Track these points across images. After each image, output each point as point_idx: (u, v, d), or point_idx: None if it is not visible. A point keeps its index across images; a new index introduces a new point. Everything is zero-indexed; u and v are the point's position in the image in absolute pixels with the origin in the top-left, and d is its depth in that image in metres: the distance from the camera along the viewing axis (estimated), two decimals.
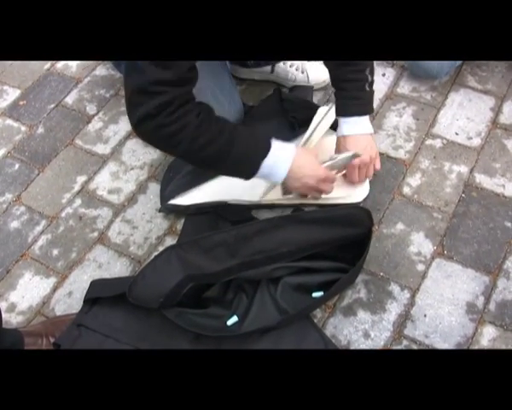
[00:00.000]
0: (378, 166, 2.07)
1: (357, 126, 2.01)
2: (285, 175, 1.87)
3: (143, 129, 1.72)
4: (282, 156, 1.85)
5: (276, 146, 1.83)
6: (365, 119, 2.02)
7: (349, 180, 2.08)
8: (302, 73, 2.44)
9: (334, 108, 2.06)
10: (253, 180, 1.99)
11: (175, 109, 1.66)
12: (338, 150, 2.05)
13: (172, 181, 2.21)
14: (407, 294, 1.90)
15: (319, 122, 2.09)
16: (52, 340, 1.84)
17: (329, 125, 2.10)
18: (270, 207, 2.12)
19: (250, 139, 1.82)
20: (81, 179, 2.34)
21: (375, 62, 2.02)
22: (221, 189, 2.14)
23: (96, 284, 1.96)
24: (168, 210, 2.17)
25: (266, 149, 1.81)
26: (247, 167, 1.84)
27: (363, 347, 1.81)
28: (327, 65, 2.10)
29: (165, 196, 2.19)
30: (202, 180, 2.17)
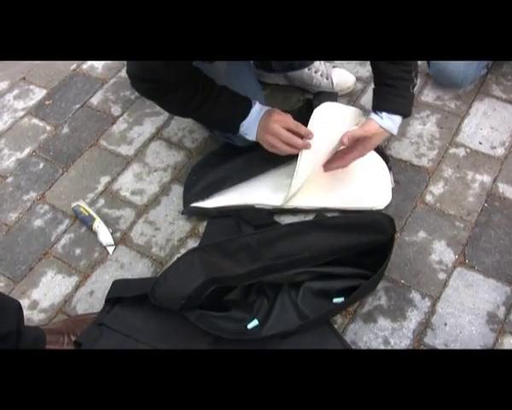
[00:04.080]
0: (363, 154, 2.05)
1: (393, 124, 1.97)
2: (255, 134, 2.06)
3: (140, 93, 2.13)
4: (253, 118, 2.05)
5: (255, 108, 2.05)
6: (400, 120, 1.99)
7: (344, 162, 2.06)
8: (327, 79, 2.44)
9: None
10: (276, 185, 2.01)
11: (163, 94, 1.98)
12: (364, 134, 1.99)
13: (196, 184, 2.22)
14: (428, 302, 1.90)
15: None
16: (73, 338, 1.85)
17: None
18: (293, 211, 2.12)
19: (230, 105, 2.04)
20: (105, 180, 2.36)
21: None
22: (244, 193, 2.15)
23: (117, 284, 1.97)
24: (191, 213, 2.18)
25: (244, 115, 2.04)
26: (229, 127, 2.12)
27: None
28: (372, 62, 2.04)
29: (188, 198, 2.20)
30: (226, 185, 2.19)
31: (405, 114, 1.99)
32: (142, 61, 1.81)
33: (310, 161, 2.01)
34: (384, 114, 1.96)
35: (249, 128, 2.06)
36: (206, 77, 2.01)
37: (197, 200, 2.18)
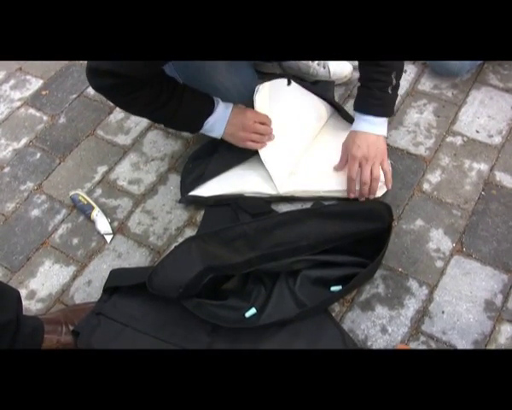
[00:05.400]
0: (385, 166, 2.05)
1: (370, 125, 2.02)
2: (222, 131, 2.10)
3: (100, 92, 1.99)
4: (220, 115, 2.08)
5: (221, 106, 2.08)
6: (382, 120, 2.03)
7: (348, 175, 2.06)
8: (324, 68, 2.44)
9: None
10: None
11: (126, 92, 1.91)
12: (346, 143, 2.07)
13: (192, 172, 2.23)
14: (425, 290, 1.90)
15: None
16: (71, 328, 1.85)
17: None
18: (290, 200, 2.12)
19: (194, 103, 2.05)
20: (102, 169, 2.36)
21: None
22: (241, 181, 2.15)
23: (115, 274, 1.98)
24: (188, 202, 2.18)
25: (209, 112, 2.06)
26: (192, 125, 2.12)
27: (380, 342, 1.81)
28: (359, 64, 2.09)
29: (185, 187, 2.21)
30: (222, 170, 2.19)
31: (381, 114, 2.02)
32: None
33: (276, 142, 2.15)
34: (359, 117, 2.04)
35: (215, 125, 2.09)
36: (168, 75, 2.01)
37: (194, 188, 2.18)
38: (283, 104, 2.20)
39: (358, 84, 2.07)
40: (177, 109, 2.01)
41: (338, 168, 2.11)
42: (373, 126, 2.02)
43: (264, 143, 2.13)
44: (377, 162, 2.02)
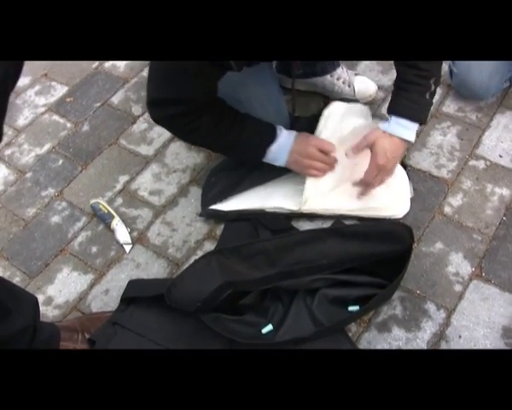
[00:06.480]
0: (385, 179, 2.05)
1: (403, 129, 1.96)
2: (286, 159, 2.06)
3: (160, 123, 2.02)
4: (283, 143, 2.04)
5: (284, 133, 2.05)
6: (414, 126, 1.96)
7: (364, 178, 2.04)
8: (349, 86, 2.44)
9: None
10: (293, 189, 2.04)
11: (188, 121, 1.91)
12: (374, 141, 1.98)
13: (214, 186, 2.23)
14: (443, 314, 1.89)
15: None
16: (87, 336, 1.85)
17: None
18: (310, 217, 2.12)
19: (256, 130, 2.03)
20: (123, 179, 2.36)
21: None
22: (261, 197, 2.15)
23: (133, 284, 1.98)
24: (208, 215, 2.18)
25: (271, 139, 2.03)
26: (255, 153, 2.07)
27: None
28: (394, 63, 2.03)
29: (206, 200, 2.21)
30: (244, 187, 2.19)
31: (416, 119, 1.96)
32: (167, 79, 1.80)
33: None
34: (393, 119, 1.95)
35: (279, 154, 2.05)
36: (228, 104, 2.01)
37: (215, 202, 2.18)
38: (343, 130, 2.11)
39: (392, 87, 2.01)
40: (239, 137, 2.01)
41: (351, 154, 2.05)
42: (406, 131, 1.95)
43: (326, 172, 2.08)
44: (390, 174, 2.03)
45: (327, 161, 2.06)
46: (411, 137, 1.97)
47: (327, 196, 2.10)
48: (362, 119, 2.13)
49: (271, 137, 2.03)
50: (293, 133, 2.07)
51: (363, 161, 2.01)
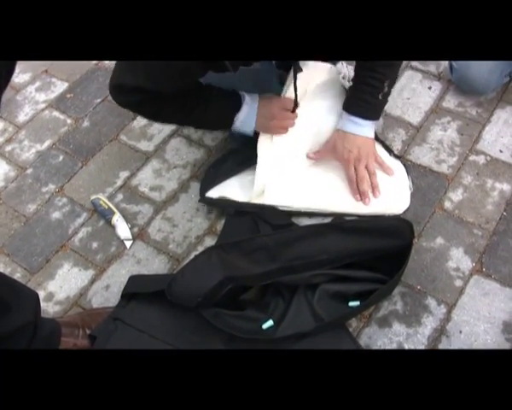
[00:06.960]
0: (378, 160, 2.12)
1: (357, 127, 2.05)
2: (253, 126, 2.12)
3: (124, 107, 2.07)
4: (248, 111, 2.09)
5: (246, 100, 2.09)
6: (368, 123, 2.06)
7: (347, 178, 2.11)
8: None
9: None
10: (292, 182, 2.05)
11: (153, 105, 1.98)
12: (334, 145, 2.10)
13: (213, 176, 2.24)
14: (443, 309, 1.89)
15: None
16: (88, 332, 1.86)
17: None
18: (310, 214, 2.12)
19: (221, 102, 2.08)
20: (124, 175, 2.36)
21: (421, 75, 2.03)
22: (243, 185, 2.20)
23: (134, 280, 1.98)
24: (207, 203, 2.19)
25: (237, 108, 2.08)
26: (223, 123, 2.17)
27: None
28: (355, 65, 2.12)
29: (204, 187, 2.23)
30: (240, 171, 2.23)
31: (367, 118, 2.06)
32: (138, 66, 1.81)
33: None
34: (345, 116, 2.07)
35: (246, 121, 2.11)
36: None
37: (212, 187, 2.19)
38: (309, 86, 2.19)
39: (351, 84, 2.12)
40: (205, 112, 2.04)
41: (312, 157, 2.17)
42: (360, 128, 2.06)
43: (291, 126, 2.15)
44: (370, 160, 2.08)
45: (291, 117, 2.13)
46: (370, 133, 2.09)
47: (324, 192, 2.12)
48: (327, 76, 2.23)
49: (236, 106, 2.09)
50: (256, 97, 2.12)
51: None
